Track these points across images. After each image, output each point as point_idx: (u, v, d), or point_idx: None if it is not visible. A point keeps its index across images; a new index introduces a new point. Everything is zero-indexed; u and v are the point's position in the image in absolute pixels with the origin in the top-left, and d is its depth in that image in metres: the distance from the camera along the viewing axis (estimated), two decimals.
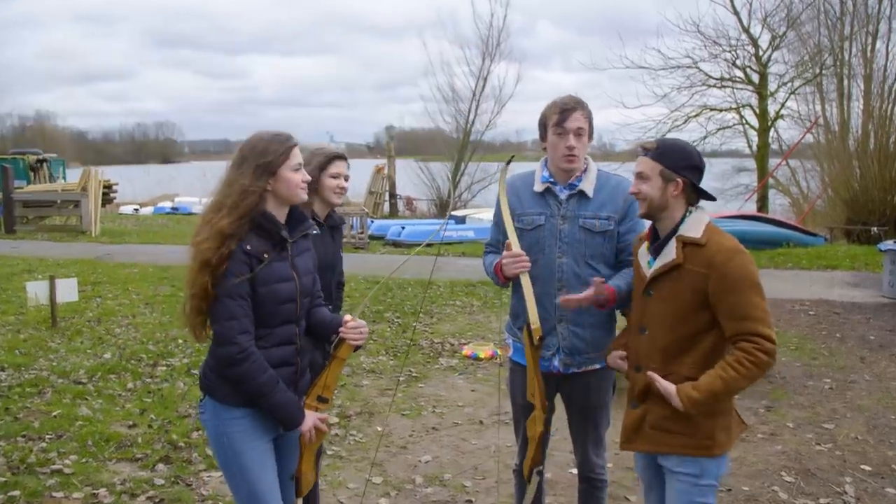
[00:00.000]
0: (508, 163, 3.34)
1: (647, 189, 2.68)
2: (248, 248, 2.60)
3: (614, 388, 3.44)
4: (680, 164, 2.64)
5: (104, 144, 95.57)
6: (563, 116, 3.09)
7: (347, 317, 2.88)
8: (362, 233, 17.15)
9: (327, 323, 2.92)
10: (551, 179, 3.22)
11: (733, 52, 23.24)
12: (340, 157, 3.34)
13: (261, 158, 2.65)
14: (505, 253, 3.12)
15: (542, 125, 3.19)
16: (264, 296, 2.64)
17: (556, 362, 3.26)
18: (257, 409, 2.68)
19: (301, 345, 2.82)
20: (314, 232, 2.92)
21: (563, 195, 3.20)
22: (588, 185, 3.19)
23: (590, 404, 3.35)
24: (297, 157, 2.71)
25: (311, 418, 2.80)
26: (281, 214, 2.74)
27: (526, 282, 3.06)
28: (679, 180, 2.64)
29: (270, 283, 2.65)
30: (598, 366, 3.25)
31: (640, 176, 2.70)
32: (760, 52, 23.24)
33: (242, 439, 2.70)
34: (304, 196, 2.77)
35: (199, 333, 2.70)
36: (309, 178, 2.79)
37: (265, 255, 2.64)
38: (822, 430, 5.42)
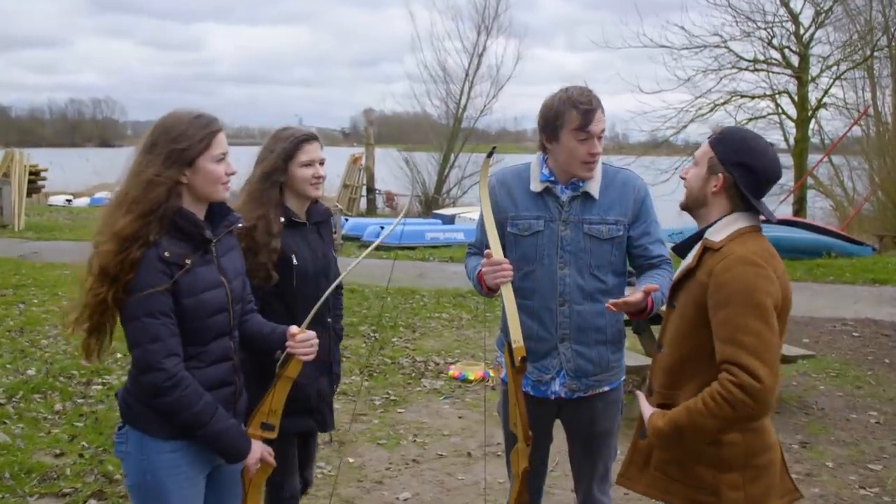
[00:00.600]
0: (490, 155, 3.31)
1: (692, 176, 2.69)
2: (166, 254, 2.54)
3: (621, 410, 3.45)
4: (732, 157, 2.58)
5: (31, 123, 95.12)
6: (588, 119, 3.07)
7: (294, 328, 2.85)
8: (335, 233, 17.12)
9: (266, 335, 2.89)
10: (552, 178, 3.22)
11: (769, 30, 23.37)
12: (310, 138, 3.32)
13: (175, 144, 2.57)
14: (484, 261, 3.12)
15: (551, 124, 3.15)
16: (191, 308, 2.59)
17: (556, 387, 3.28)
18: (192, 441, 2.63)
19: (237, 360, 2.80)
20: (241, 224, 2.89)
21: (565, 196, 3.21)
22: (593, 185, 3.20)
23: (595, 432, 3.37)
24: (220, 145, 2.64)
25: (257, 449, 2.77)
26: (199, 211, 2.68)
27: (508, 293, 3.07)
28: (721, 175, 2.59)
29: (197, 292, 2.60)
30: (606, 388, 3.28)
31: (694, 160, 2.73)
32: (801, 30, 23.37)
33: (170, 478, 2.64)
34: (226, 193, 2.72)
35: (92, 352, 2.64)
36: (234, 170, 2.72)
37: (187, 261, 2.58)
38: (867, 471, 5.44)
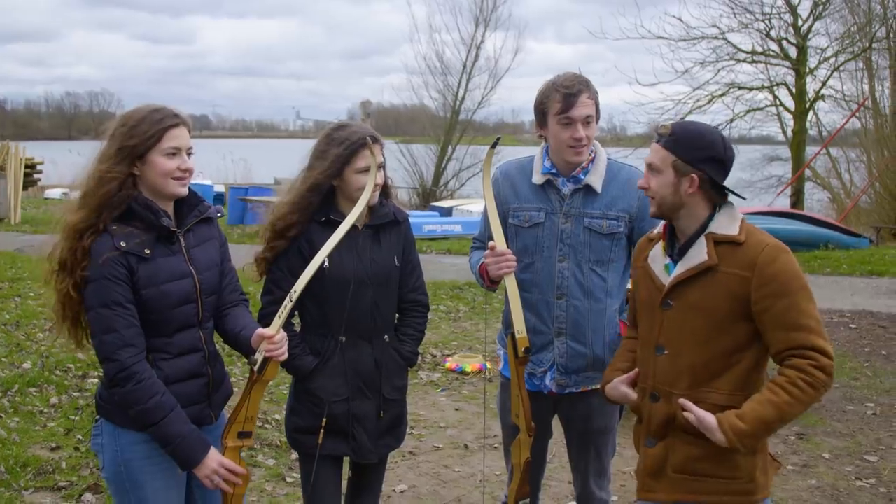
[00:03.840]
0: (494, 145, 3.28)
1: (657, 185, 2.61)
2: (122, 244, 2.54)
3: (622, 410, 3.44)
4: (697, 155, 2.55)
5: (27, 116, 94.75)
6: (569, 102, 3.05)
7: (269, 331, 2.73)
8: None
9: (235, 335, 2.82)
10: (553, 170, 3.21)
11: (767, 22, 23.36)
12: (371, 140, 3.00)
13: (126, 140, 2.59)
14: (487, 252, 3.11)
15: (540, 111, 3.16)
16: (151, 299, 2.58)
17: (547, 381, 3.28)
18: None
19: (210, 351, 2.77)
20: (219, 215, 2.85)
21: (567, 189, 3.20)
22: (596, 178, 3.18)
23: (592, 429, 3.36)
24: (174, 139, 2.61)
25: (213, 461, 2.63)
26: (164, 203, 2.68)
27: (511, 284, 3.07)
28: (694, 175, 2.56)
29: (158, 283, 2.59)
30: (599, 385, 3.26)
31: (650, 167, 2.64)
32: (799, 22, 23.37)
33: (143, 469, 2.64)
34: (179, 189, 2.67)
35: (80, 340, 2.72)
36: (188, 166, 2.66)
37: (146, 252, 2.58)
38: (863, 462, 5.46)
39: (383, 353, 3.15)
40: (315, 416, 3.08)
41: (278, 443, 5.38)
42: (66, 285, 2.55)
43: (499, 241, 3.09)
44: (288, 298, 2.78)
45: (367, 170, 3.00)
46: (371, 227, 3.12)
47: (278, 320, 2.76)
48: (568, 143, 3.09)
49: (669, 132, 2.59)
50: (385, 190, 3.21)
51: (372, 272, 3.09)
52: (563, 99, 3.05)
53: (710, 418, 2.50)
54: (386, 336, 3.17)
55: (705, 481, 2.61)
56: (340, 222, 2.97)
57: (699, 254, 2.57)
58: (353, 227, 2.97)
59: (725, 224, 2.57)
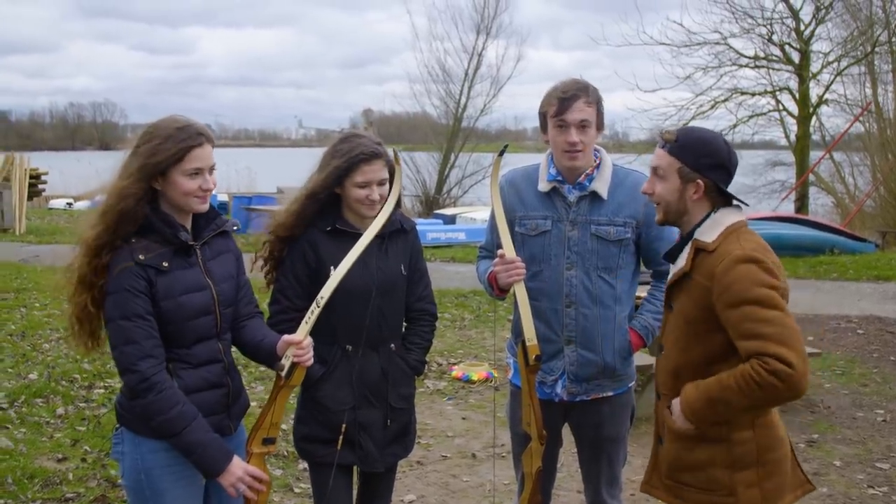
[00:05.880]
0: (501, 153, 3.25)
1: (663, 190, 2.63)
2: (141, 257, 2.56)
3: (632, 417, 3.42)
4: (703, 161, 2.57)
5: (31, 127, 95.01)
6: (564, 106, 3.08)
7: (296, 336, 2.74)
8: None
9: (257, 343, 2.84)
10: (559, 178, 3.21)
11: (769, 27, 23.35)
12: (372, 156, 3.00)
13: (149, 158, 2.58)
14: (496, 261, 3.11)
15: (542, 115, 3.19)
16: (169, 311, 2.60)
17: (558, 389, 3.27)
18: None
19: (229, 361, 2.78)
20: (234, 229, 2.86)
21: (573, 196, 3.20)
22: (601, 185, 3.18)
23: (603, 437, 3.35)
24: (196, 159, 2.60)
25: (237, 468, 2.64)
26: (182, 217, 2.69)
27: (521, 292, 3.07)
28: (700, 182, 2.57)
29: (175, 295, 2.61)
30: (610, 393, 3.27)
31: (655, 172, 2.65)
32: (802, 27, 23.35)
33: (164, 477, 2.65)
34: (201, 206, 2.69)
35: (90, 347, 2.72)
36: (210, 185, 2.66)
37: (164, 264, 2.60)
38: (875, 470, 5.42)
39: (390, 361, 3.14)
40: (321, 425, 3.08)
41: (285, 453, 5.35)
42: (84, 299, 2.57)
43: (507, 249, 3.08)
44: (315, 304, 2.80)
45: (365, 185, 3.00)
46: (378, 237, 3.07)
47: (305, 326, 2.78)
48: (562, 146, 3.11)
49: (675, 138, 2.60)
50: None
51: (378, 281, 3.08)
52: (559, 103, 3.08)
53: (675, 404, 2.59)
54: (392, 345, 3.16)
55: (687, 490, 2.64)
56: (346, 231, 3.02)
57: (681, 260, 2.63)
58: (360, 234, 2.96)
59: (706, 230, 2.58)
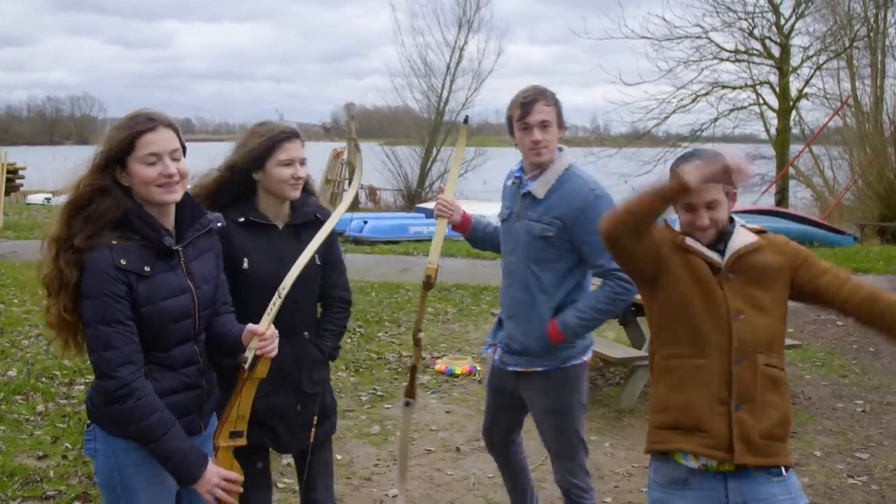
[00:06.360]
0: (466, 121, 3.94)
1: (721, 216, 2.72)
2: (123, 261, 2.49)
3: (576, 396, 3.62)
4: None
5: (8, 121, 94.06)
6: (525, 110, 3.42)
7: (259, 327, 2.69)
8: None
9: (224, 334, 2.78)
10: (519, 174, 3.63)
11: (750, 21, 23.53)
12: (292, 135, 3.11)
13: (104, 147, 2.55)
14: (438, 194, 3.75)
15: (509, 120, 3.55)
16: (150, 316, 2.54)
17: (496, 356, 3.73)
18: None
19: (205, 362, 2.74)
20: (219, 225, 2.81)
21: (524, 191, 3.57)
22: (539, 186, 3.50)
23: (539, 409, 3.67)
24: (148, 145, 2.51)
25: (213, 475, 2.61)
26: (162, 214, 2.61)
27: (440, 227, 3.71)
28: (732, 191, 2.74)
29: (157, 300, 2.55)
30: (539, 368, 3.57)
31: (711, 206, 2.69)
32: (782, 21, 23.55)
33: (137, 475, 2.61)
34: (167, 196, 2.57)
35: (73, 353, 2.66)
36: (172, 170, 2.55)
37: (146, 269, 2.53)
38: (854, 460, 5.47)
39: (302, 349, 3.21)
40: None
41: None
42: (57, 308, 2.51)
43: (447, 192, 3.76)
44: (277, 295, 2.75)
45: (290, 162, 3.05)
46: (292, 227, 3.16)
47: (267, 317, 2.72)
48: (528, 146, 3.45)
49: None
50: (307, 188, 3.25)
51: (290, 270, 3.07)
52: (521, 107, 3.43)
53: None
54: (306, 332, 3.23)
55: (777, 445, 2.68)
56: (259, 223, 3.10)
57: (749, 238, 2.77)
58: (274, 226, 3.06)
59: (743, 236, 2.78)
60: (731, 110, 24.40)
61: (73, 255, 2.49)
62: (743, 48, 23.88)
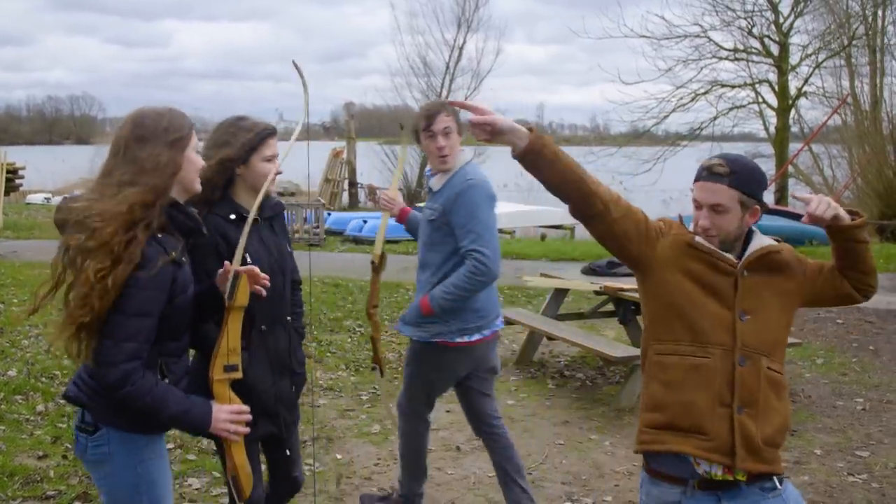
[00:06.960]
0: (402, 127, 4.41)
1: (725, 224, 2.62)
2: (173, 252, 2.53)
3: (431, 367, 4.11)
4: (758, 188, 2.64)
5: (7, 121, 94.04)
6: (430, 121, 3.89)
7: (228, 265, 2.70)
8: (318, 227, 17.07)
9: (201, 292, 2.77)
10: (429, 173, 4.14)
11: (749, 19, 23.51)
12: (274, 131, 3.25)
13: (168, 134, 2.55)
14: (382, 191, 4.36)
15: (415, 131, 4.00)
16: (181, 304, 2.59)
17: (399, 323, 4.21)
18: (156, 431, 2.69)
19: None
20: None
21: (428, 187, 4.13)
22: (437, 181, 4.00)
23: (408, 372, 4.27)
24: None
25: (222, 414, 2.65)
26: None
27: (384, 219, 4.33)
28: (758, 206, 2.65)
29: (186, 289, 2.60)
30: (414, 337, 4.09)
31: (716, 209, 2.61)
32: (781, 19, 23.53)
33: (158, 467, 2.66)
34: (199, 186, 2.72)
35: (77, 353, 2.51)
36: (202, 162, 2.71)
37: (183, 259, 2.60)
38: (855, 458, 5.47)
39: (289, 332, 3.38)
40: (250, 407, 2.97)
41: None
42: (107, 270, 2.36)
43: (392, 188, 4.46)
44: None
45: (272, 158, 3.17)
46: (266, 219, 3.29)
47: (236, 257, 2.75)
48: (434, 152, 3.94)
49: (729, 170, 2.60)
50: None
51: (278, 261, 3.29)
52: (426, 118, 3.89)
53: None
54: (289, 317, 3.39)
55: (773, 451, 2.65)
56: (244, 218, 3.01)
57: (768, 242, 2.75)
58: (256, 219, 3.08)
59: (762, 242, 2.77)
60: (731, 109, 24.38)
61: (142, 236, 2.43)
62: (742, 47, 23.87)
